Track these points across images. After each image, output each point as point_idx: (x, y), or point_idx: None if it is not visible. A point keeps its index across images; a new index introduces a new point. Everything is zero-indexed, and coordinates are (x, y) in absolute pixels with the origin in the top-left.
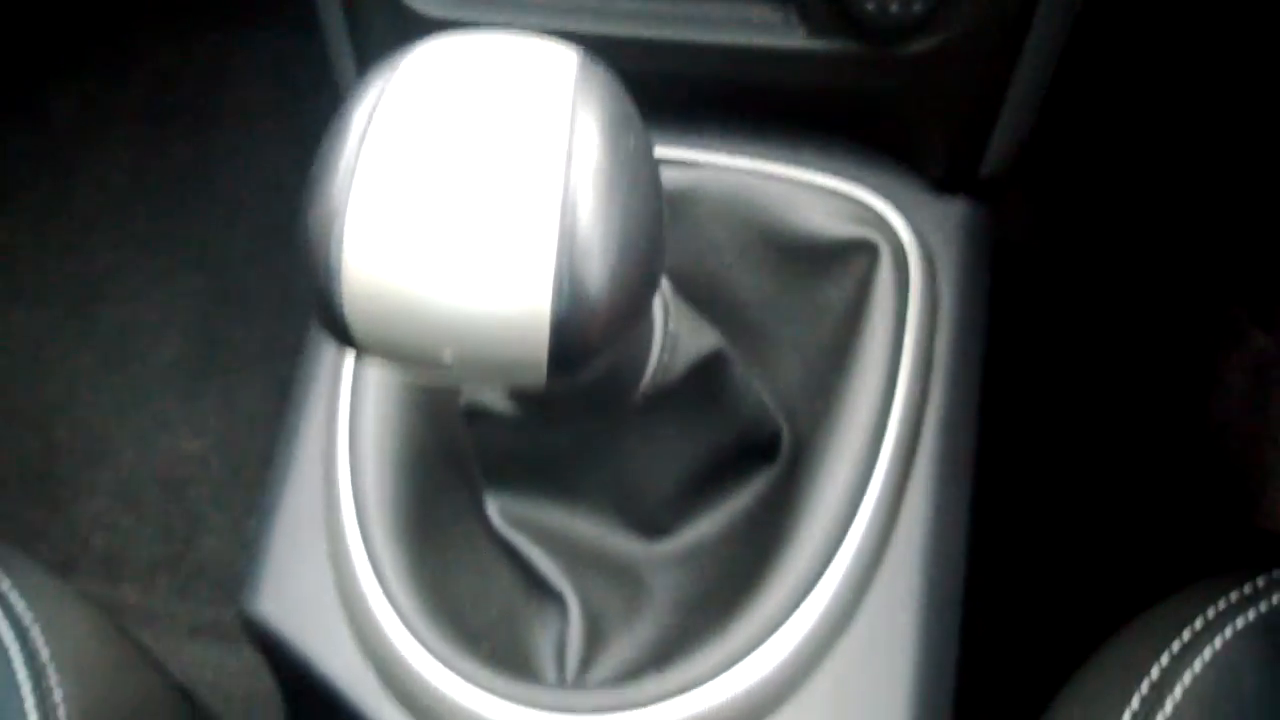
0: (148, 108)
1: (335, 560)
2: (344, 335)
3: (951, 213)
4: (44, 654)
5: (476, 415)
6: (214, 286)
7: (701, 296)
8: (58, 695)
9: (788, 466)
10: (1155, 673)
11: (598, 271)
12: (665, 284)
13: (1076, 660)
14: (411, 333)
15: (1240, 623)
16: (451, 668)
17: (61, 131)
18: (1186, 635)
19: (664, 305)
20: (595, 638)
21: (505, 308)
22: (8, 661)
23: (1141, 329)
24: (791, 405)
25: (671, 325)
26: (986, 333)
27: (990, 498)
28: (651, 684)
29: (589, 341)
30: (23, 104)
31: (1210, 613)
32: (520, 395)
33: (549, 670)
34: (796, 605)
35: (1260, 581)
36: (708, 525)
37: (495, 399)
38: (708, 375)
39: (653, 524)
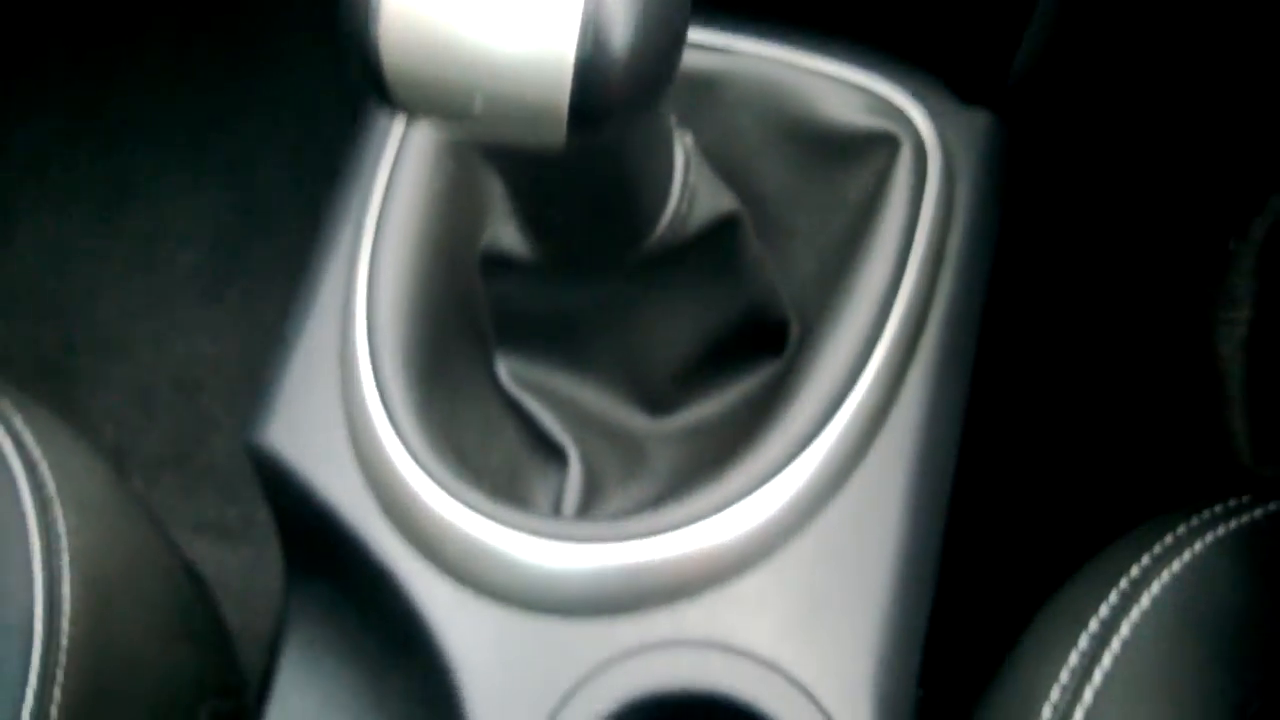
0: (189, 19)
1: (345, 395)
2: (378, 81)
3: (975, 122)
4: (50, 488)
5: (494, 264)
6: (241, 199)
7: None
8: (61, 527)
9: (793, 360)
10: (1135, 571)
11: (623, 20)
12: (689, 139)
13: (1057, 580)
14: (442, 74)
15: (1221, 530)
16: (452, 494)
17: (101, 38)
18: (1169, 539)
19: (685, 155)
20: (592, 491)
21: (531, 49)
22: (15, 493)
23: (1127, 286)
24: (803, 300)
25: (691, 177)
26: (995, 244)
27: (977, 415)
28: (645, 519)
29: (609, 93)
30: (63, 10)
31: (1194, 521)
32: (538, 201)
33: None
34: (791, 459)
35: (1245, 499)
36: (711, 407)
37: (514, 240)
38: (722, 240)
39: (658, 400)
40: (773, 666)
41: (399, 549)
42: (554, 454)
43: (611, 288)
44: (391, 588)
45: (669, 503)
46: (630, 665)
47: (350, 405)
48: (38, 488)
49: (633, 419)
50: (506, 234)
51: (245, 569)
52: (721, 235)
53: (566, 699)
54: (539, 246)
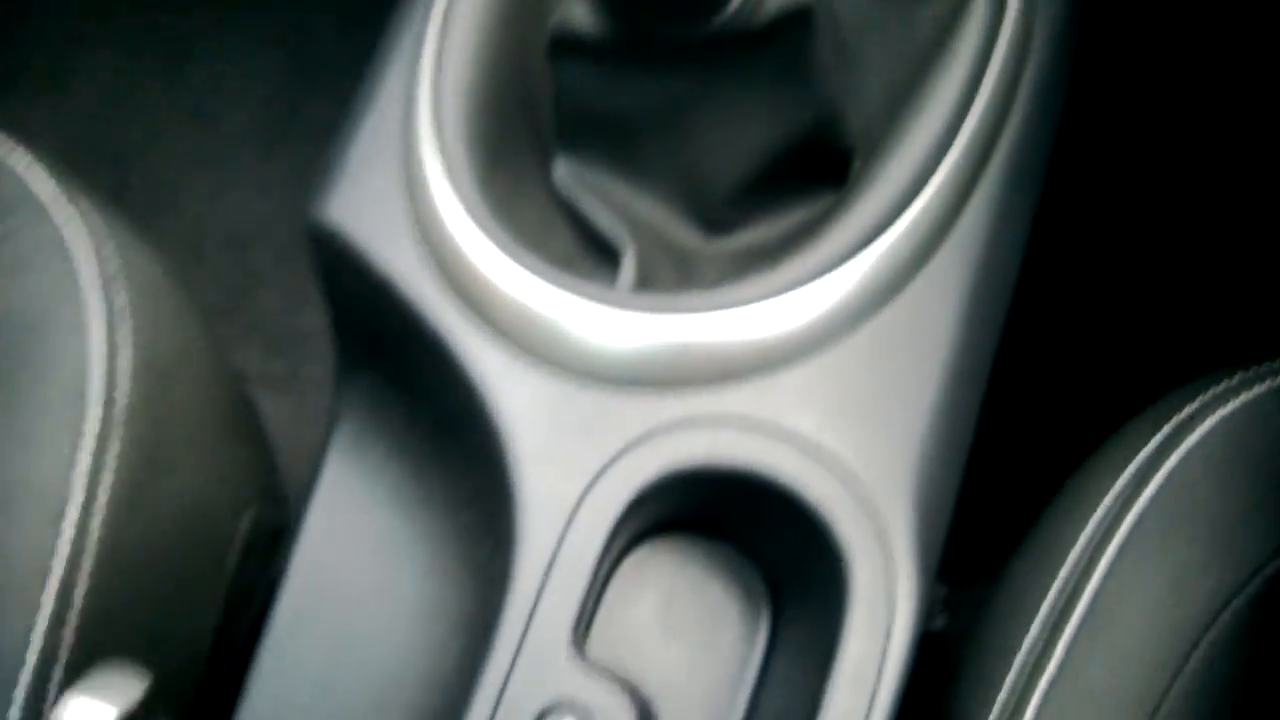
0: None
1: (408, 170)
2: None
3: None
4: (113, 265)
5: (562, 48)
6: (299, 61)
7: None
8: (122, 304)
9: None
10: (1187, 412)
11: None
12: None
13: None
14: None
15: (1276, 380)
16: (511, 256)
17: None
18: (1223, 386)
19: None
20: (645, 288)
21: None
22: (76, 268)
23: (1197, 139)
24: (868, 133)
25: None
26: (1069, 83)
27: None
28: (701, 296)
29: None
30: None
31: (1249, 372)
32: None
33: None
34: (851, 255)
35: None
36: (765, 231)
37: (584, 16)
38: (794, 38)
39: (713, 220)
40: (817, 451)
41: (454, 315)
42: (606, 258)
43: (676, 83)
44: (445, 357)
45: (725, 284)
46: (674, 438)
47: (412, 179)
48: (101, 264)
49: (686, 236)
50: (577, 10)
51: (288, 420)
52: (793, 31)
53: (610, 464)
54: (609, 22)
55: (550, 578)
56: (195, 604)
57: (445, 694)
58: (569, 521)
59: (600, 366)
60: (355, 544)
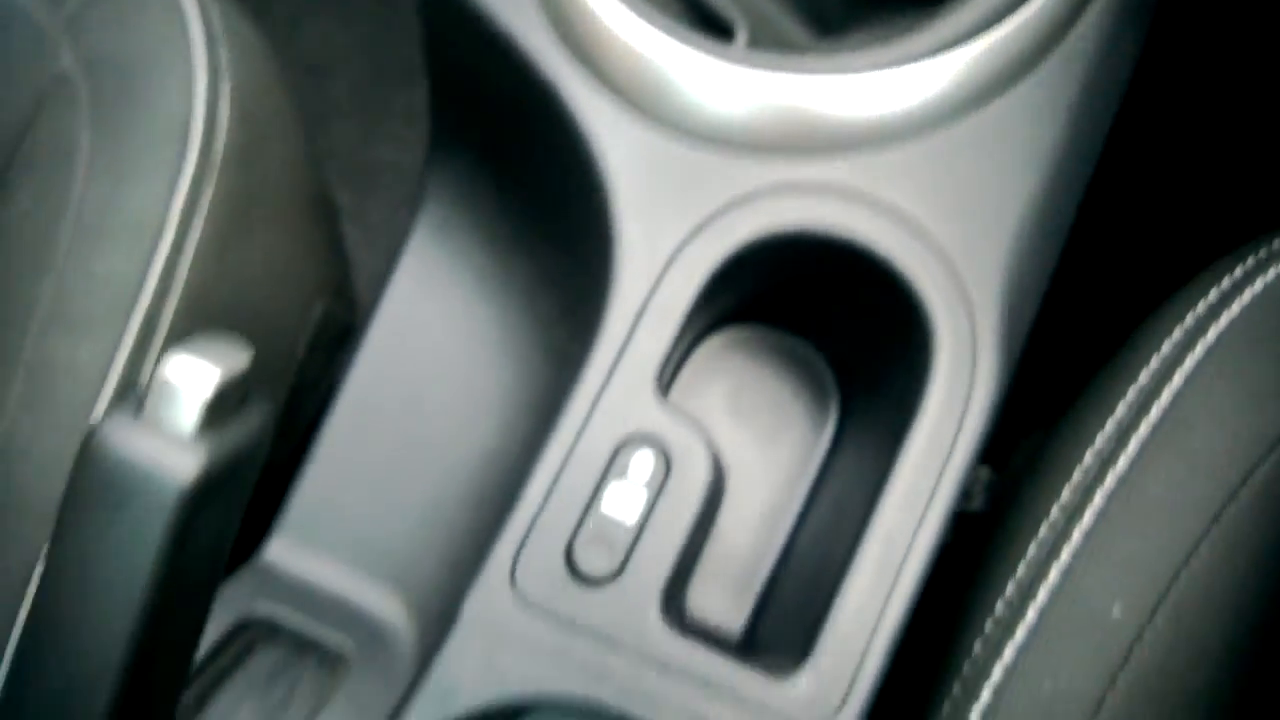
0: None
1: None
2: None
3: None
4: (218, 27)
5: None
6: None
7: None
8: (224, 62)
9: None
10: (1251, 261)
11: None
12: None
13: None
14: None
15: None
16: (633, 8)
17: None
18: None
19: None
20: None
21: None
22: (185, 25)
23: None
24: None
25: None
26: None
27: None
28: (817, 59)
29: None
30: None
31: None
32: None
33: None
34: (967, 39)
35: None
36: (874, 38)
37: None
38: None
39: (826, 19)
40: (915, 227)
41: (568, 68)
42: (719, 29)
43: None
44: (556, 111)
45: (841, 51)
46: (776, 201)
47: None
48: (207, 22)
49: (796, 32)
50: None
51: (352, 249)
52: None
53: (710, 220)
54: None
55: (641, 321)
56: (263, 382)
57: (509, 471)
58: (664, 270)
59: (710, 125)
60: (430, 326)
